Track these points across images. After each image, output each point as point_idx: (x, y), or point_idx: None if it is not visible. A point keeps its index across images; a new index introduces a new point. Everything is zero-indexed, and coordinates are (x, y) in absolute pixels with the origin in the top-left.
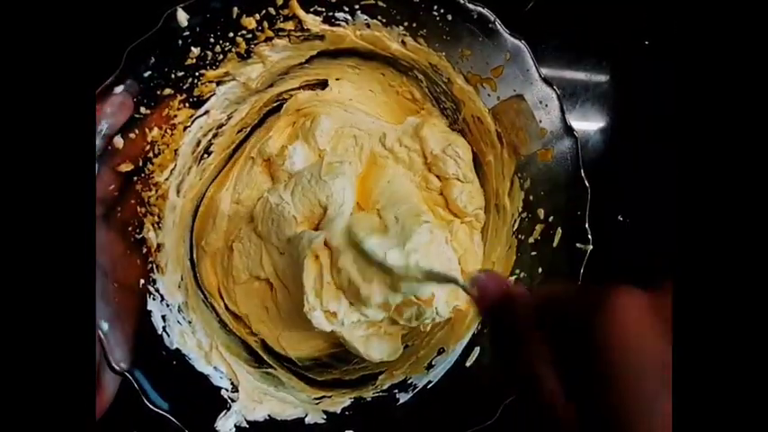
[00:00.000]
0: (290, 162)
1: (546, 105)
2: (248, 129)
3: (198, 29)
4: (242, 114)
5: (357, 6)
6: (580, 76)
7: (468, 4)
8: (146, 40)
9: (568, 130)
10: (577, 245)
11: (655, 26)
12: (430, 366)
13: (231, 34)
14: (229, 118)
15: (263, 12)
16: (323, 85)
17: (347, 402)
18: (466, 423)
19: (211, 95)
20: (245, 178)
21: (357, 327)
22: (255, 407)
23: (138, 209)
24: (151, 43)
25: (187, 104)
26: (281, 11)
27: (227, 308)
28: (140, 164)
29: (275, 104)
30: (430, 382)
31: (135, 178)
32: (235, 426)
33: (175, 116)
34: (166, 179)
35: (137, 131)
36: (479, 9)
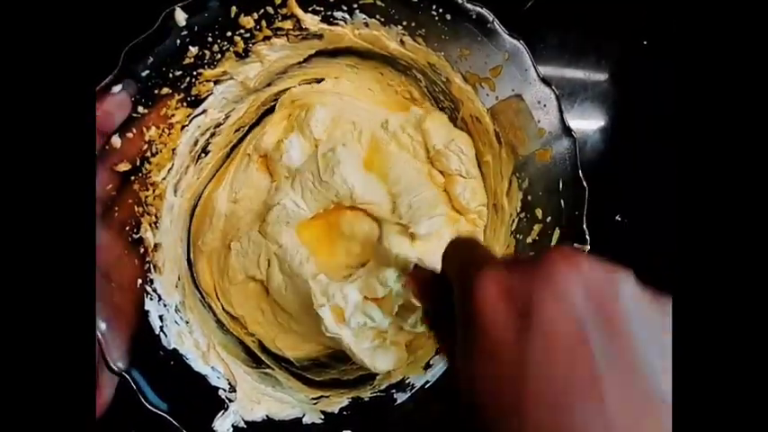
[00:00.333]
0: (287, 156)
1: (544, 105)
2: (246, 128)
3: (196, 28)
4: (240, 114)
5: (356, 5)
6: (579, 75)
7: (466, 3)
8: (144, 39)
9: (567, 130)
10: (575, 245)
11: (653, 26)
12: (428, 366)
13: (229, 33)
14: (227, 117)
15: (262, 11)
16: (320, 82)
17: (345, 402)
18: (464, 423)
19: (209, 95)
20: (242, 177)
21: (363, 338)
22: (253, 407)
23: (136, 208)
24: (149, 42)
25: (185, 104)
26: (279, 10)
27: (224, 308)
28: (138, 163)
29: (273, 103)
30: (428, 382)
31: (132, 178)
32: (232, 426)
33: (173, 115)
34: (164, 179)
35: (134, 131)
36: (478, 9)
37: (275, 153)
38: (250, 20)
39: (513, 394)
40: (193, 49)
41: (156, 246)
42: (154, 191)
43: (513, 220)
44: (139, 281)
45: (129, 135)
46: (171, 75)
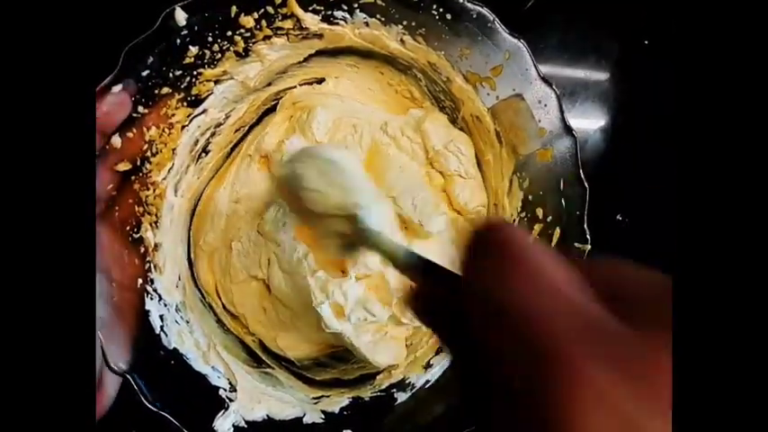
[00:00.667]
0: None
1: (545, 105)
2: (246, 128)
3: (196, 28)
4: (240, 113)
5: (356, 5)
6: (579, 75)
7: (467, 3)
8: (144, 39)
9: (567, 129)
10: (576, 245)
11: (654, 25)
12: (428, 366)
13: (229, 33)
14: (227, 117)
15: (262, 10)
16: (321, 82)
17: (345, 402)
18: (464, 423)
19: (209, 94)
20: (243, 177)
21: (363, 332)
22: (254, 407)
23: (136, 208)
24: (149, 42)
25: (185, 103)
26: (279, 9)
27: (224, 307)
28: (138, 163)
29: (273, 103)
30: (428, 381)
31: (133, 177)
32: (233, 425)
33: (173, 115)
34: (164, 178)
35: (134, 131)
36: (478, 8)
37: (276, 154)
38: (250, 19)
39: None
40: (193, 49)
41: (156, 245)
42: (154, 190)
43: (514, 220)
44: (140, 281)
45: (130, 135)
46: (171, 74)
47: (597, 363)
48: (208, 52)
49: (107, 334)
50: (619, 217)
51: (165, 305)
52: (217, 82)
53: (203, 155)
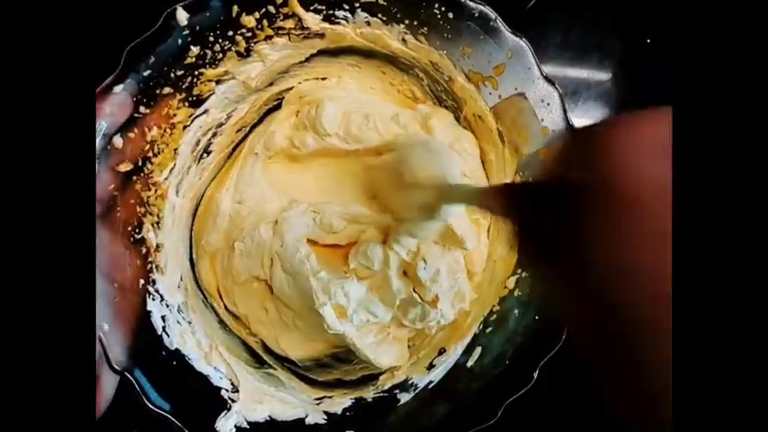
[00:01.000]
0: (325, 120)
1: (548, 104)
2: (248, 128)
3: (197, 27)
4: (241, 113)
5: (357, 4)
6: (582, 74)
7: (469, 2)
8: (145, 39)
9: (570, 128)
10: None
11: (656, 24)
12: (431, 366)
13: (231, 33)
14: (229, 117)
15: (263, 10)
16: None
17: (348, 403)
18: (467, 423)
19: (211, 94)
20: (248, 177)
21: (366, 333)
22: (256, 407)
23: (138, 209)
24: (151, 42)
25: (186, 103)
26: (280, 9)
27: (226, 308)
28: (140, 163)
29: (275, 103)
30: (431, 382)
31: (134, 178)
32: (235, 426)
33: (175, 115)
34: (166, 179)
35: (136, 131)
36: (481, 7)
37: (293, 149)
38: (251, 19)
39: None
40: (195, 49)
41: (158, 246)
42: (156, 191)
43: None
44: (142, 281)
45: (131, 135)
46: (172, 74)
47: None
48: (209, 52)
49: (109, 334)
50: None
51: (167, 306)
52: (218, 82)
53: (205, 155)
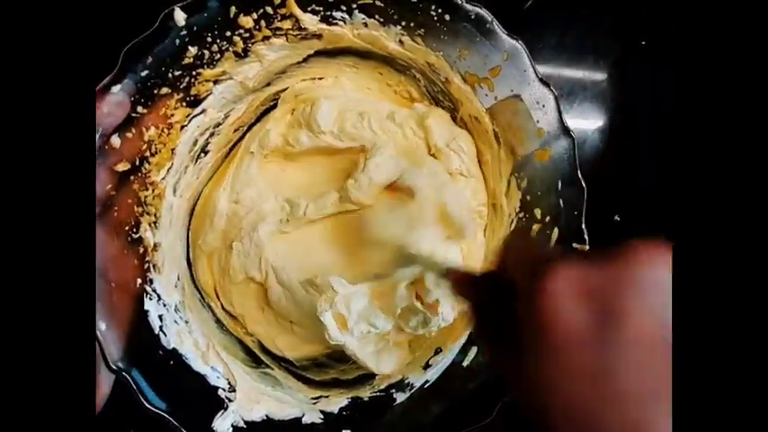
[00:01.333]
0: (320, 118)
1: (543, 105)
2: (245, 128)
3: (195, 28)
4: (239, 113)
5: (354, 6)
6: (577, 75)
7: (465, 4)
8: (143, 39)
9: (565, 130)
10: (574, 245)
11: (652, 25)
12: (427, 366)
13: (228, 33)
14: (226, 117)
15: (261, 11)
16: None
17: (344, 402)
18: (462, 423)
19: (208, 94)
20: (244, 177)
21: (366, 342)
22: (253, 407)
23: (135, 208)
24: (148, 42)
25: (184, 103)
26: (278, 10)
27: (223, 308)
28: (137, 163)
29: (272, 103)
30: (427, 381)
31: (132, 177)
32: (232, 426)
33: (172, 115)
34: (163, 178)
35: (134, 131)
36: (477, 9)
37: (287, 147)
38: (249, 20)
39: (594, 395)
40: (192, 49)
41: (155, 245)
42: (153, 191)
43: (513, 220)
44: (139, 280)
45: (129, 135)
46: (170, 75)
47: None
48: (207, 52)
49: (106, 334)
50: (617, 217)
51: (165, 305)
52: (216, 82)
53: (202, 155)
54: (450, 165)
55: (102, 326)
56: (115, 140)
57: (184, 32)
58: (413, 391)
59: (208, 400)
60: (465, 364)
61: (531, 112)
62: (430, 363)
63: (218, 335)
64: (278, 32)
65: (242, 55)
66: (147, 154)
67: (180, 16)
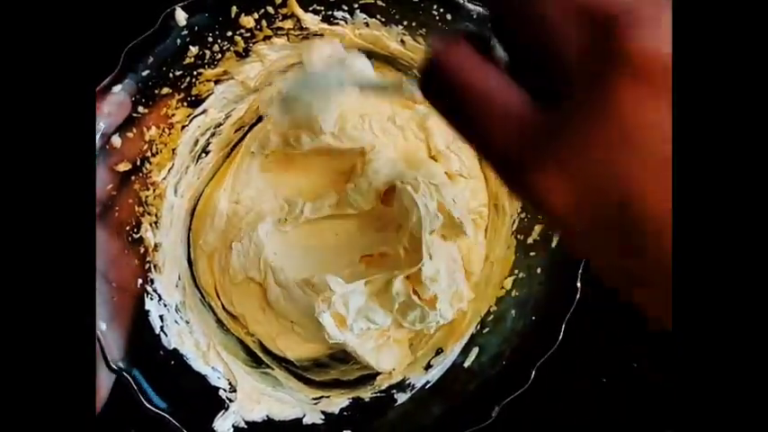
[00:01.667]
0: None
1: None
2: (246, 128)
3: (196, 28)
4: (240, 113)
5: (356, 5)
6: None
7: (467, 3)
8: (144, 39)
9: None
10: None
11: None
12: (428, 367)
13: (230, 33)
14: (227, 117)
15: (262, 11)
16: None
17: (345, 403)
18: (463, 423)
19: (210, 94)
20: (244, 177)
21: (366, 338)
22: (253, 407)
23: (136, 208)
24: (149, 42)
25: (185, 103)
26: (279, 10)
27: (224, 308)
28: (138, 163)
29: None
30: (428, 382)
31: (132, 178)
32: (233, 426)
33: (173, 115)
34: (164, 178)
35: (134, 131)
36: (479, 9)
37: (288, 147)
38: (250, 19)
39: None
40: (194, 49)
41: (156, 245)
42: (154, 191)
43: (514, 221)
44: (140, 280)
45: (130, 135)
46: (171, 74)
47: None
48: (208, 52)
49: (107, 334)
50: None
51: (165, 305)
52: (217, 82)
53: (203, 155)
54: (450, 166)
55: (102, 326)
56: (116, 140)
57: (185, 32)
58: (414, 391)
59: (208, 400)
60: (466, 365)
61: None
62: (431, 363)
63: (218, 335)
64: (279, 32)
65: (243, 55)
66: (148, 154)
67: (181, 16)
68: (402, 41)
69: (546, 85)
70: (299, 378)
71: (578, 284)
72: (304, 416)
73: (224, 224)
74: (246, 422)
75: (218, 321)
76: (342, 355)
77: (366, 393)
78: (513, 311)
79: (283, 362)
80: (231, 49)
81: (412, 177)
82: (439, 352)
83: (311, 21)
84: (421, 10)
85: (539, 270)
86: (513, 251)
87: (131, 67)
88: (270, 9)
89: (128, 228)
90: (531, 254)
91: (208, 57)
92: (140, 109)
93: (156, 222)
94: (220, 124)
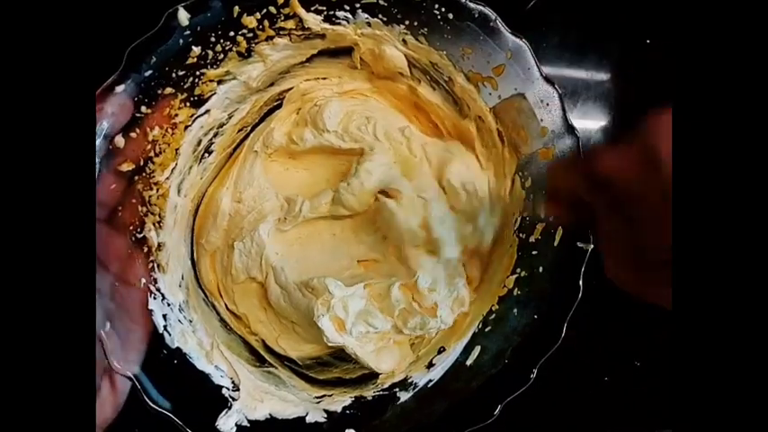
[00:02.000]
0: (326, 117)
1: (547, 104)
2: (249, 128)
3: (199, 28)
4: (243, 113)
5: (358, 5)
6: (581, 74)
7: (469, 2)
8: (147, 39)
9: (570, 128)
10: (578, 244)
11: (656, 24)
12: (431, 365)
13: (232, 33)
14: (230, 117)
15: (264, 11)
16: None
17: (348, 401)
18: (465, 422)
19: (212, 94)
20: (247, 176)
21: (366, 341)
22: (257, 406)
23: (139, 208)
24: (152, 42)
25: (188, 104)
26: (281, 10)
27: (227, 307)
28: (141, 163)
29: (276, 103)
30: (430, 380)
31: (136, 178)
32: (236, 425)
33: (176, 115)
34: (167, 178)
35: (138, 131)
36: (480, 8)
37: (291, 146)
38: (253, 20)
39: None
40: (196, 49)
41: (159, 245)
42: (157, 190)
43: (516, 220)
44: (143, 280)
45: (133, 135)
46: (174, 75)
47: None
48: (210, 52)
49: (111, 334)
50: None
51: (169, 304)
52: (220, 82)
53: (206, 155)
54: (457, 202)
55: (107, 326)
56: (119, 141)
57: (188, 32)
58: (416, 390)
59: (212, 399)
60: (468, 363)
61: (534, 110)
62: (433, 362)
63: (222, 334)
64: (281, 32)
65: (245, 55)
66: (152, 154)
67: (183, 16)
68: (404, 41)
69: None
70: (302, 377)
71: (580, 283)
72: (307, 414)
73: (226, 223)
74: (249, 421)
75: (222, 320)
76: (344, 354)
77: (368, 392)
78: (515, 310)
79: (286, 361)
80: (234, 49)
81: (403, 186)
82: (441, 350)
83: (313, 21)
84: (423, 9)
85: (541, 269)
86: (516, 250)
87: (134, 67)
88: (272, 9)
89: (131, 227)
90: (533, 252)
91: (210, 57)
92: (143, 109)
93: (159, 222)
94: (223, 124)
